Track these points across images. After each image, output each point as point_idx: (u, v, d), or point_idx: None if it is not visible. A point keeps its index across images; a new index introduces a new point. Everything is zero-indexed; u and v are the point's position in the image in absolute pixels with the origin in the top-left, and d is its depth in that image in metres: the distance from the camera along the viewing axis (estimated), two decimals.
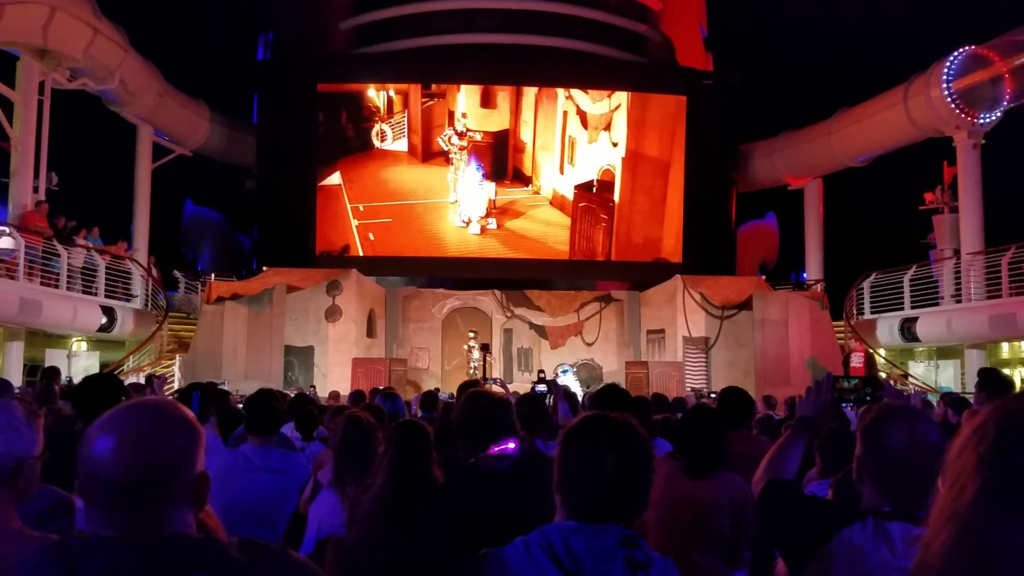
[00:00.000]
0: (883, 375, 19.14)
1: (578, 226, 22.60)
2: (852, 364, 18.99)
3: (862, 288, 21.30)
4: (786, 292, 21.10)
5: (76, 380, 14.23)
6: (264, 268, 20.52)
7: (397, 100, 22.49)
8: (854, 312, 21.38)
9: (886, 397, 2.90)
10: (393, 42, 23.37)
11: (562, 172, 22.62)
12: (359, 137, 22.40)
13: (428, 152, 22.50)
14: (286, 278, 19.19)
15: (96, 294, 17.97)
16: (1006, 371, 16.33)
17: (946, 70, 19.13)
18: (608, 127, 22.63)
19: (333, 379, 17.62)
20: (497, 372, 20.59)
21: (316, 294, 19.10)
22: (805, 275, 24.78)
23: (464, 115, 22.36)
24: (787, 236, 26.54)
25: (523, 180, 22.74)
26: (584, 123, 22.59)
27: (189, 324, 20.51)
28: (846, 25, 28.39)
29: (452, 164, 22.28)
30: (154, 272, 21.18)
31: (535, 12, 23.11)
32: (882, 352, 20.49)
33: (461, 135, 22.17)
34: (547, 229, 22.71)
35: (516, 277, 22.09)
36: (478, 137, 22.32)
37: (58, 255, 16.84)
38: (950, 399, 7.63)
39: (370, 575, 2.84)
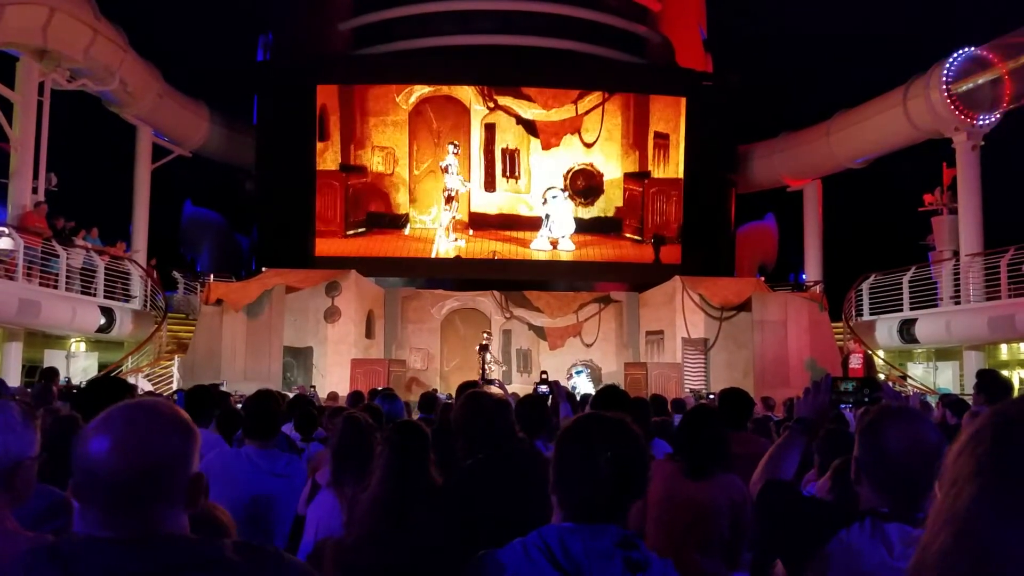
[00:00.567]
0: (882, 376, 19.15)
1: (650, 207, 22.92)
2: (851, 365, 19.00)
3: (861, 289, 21.31)
4: (785, 293, 21.13)
5: (75, 381, 14.24)
6: (263, 269, 20.52)
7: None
8: (853, 313, 21.38)
9: (884, 398, 2.90)
10: (392, 43, 23.40)
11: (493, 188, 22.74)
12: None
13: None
14: (285, 279, 19.19)
15: (95, 295, 17.96)
16: (1005, 373, 16.32)
17: (945, 72, 19.15)
18: (578, 130, 22.67)
19: (332, 380, 17.63)
20: (496, 373, 20.60)
21: (315, 295, 19.10)
22: (804, 276, 24.79)
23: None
24: (786, 237, 26.55)
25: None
26: (533, 131, 22.64)
27: (188, 325, 20.50)
28: (845, 27, 28.40)
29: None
30: (153, 273, 21.16)
31: (534, 13, 23.14)
32: (881, 353, 20.49)
33: (448, 200, 22.33)
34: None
35: (515, 278, 22.11)
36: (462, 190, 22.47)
37: (57, 256, 16.84)
38: (949, 401, 7.63)
39: None
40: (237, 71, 26.73)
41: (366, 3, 23.92)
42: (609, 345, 21.60)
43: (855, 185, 24.73)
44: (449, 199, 22.41)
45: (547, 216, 22.61)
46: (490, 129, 22.66)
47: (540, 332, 21.41)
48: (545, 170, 22.82)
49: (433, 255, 22.45)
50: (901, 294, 19.93)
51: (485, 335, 19.47)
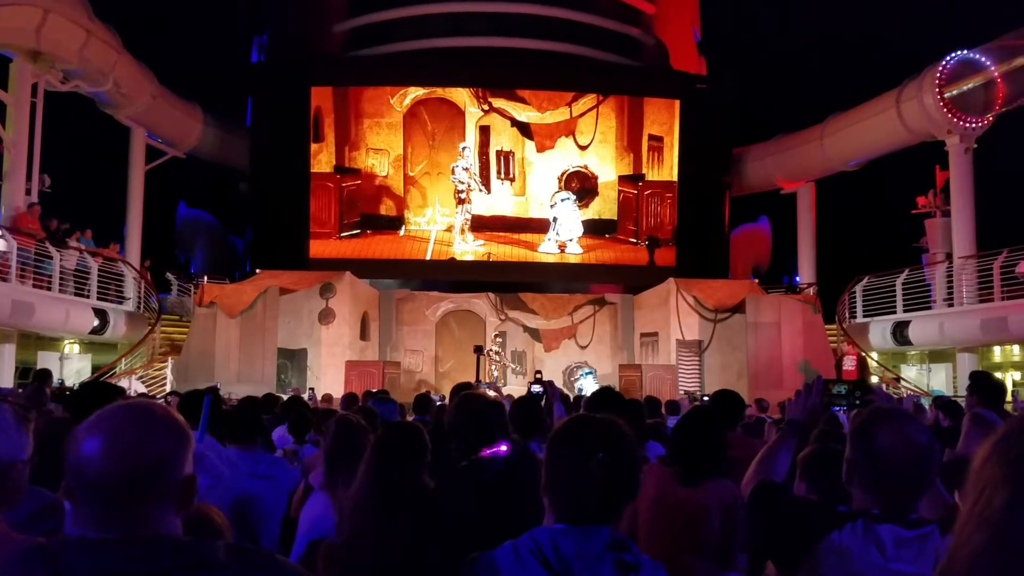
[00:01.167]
0: (875, 379, 19.20)
1: (645, 209, 23.00)
2: (844, 367, 19.04)
3: (854, 292, 21.35)
4: (779, 295, 21.18)
5: (68, 383, 14.21)
6: (257, 271, 20.49)
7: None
8: (846, 315, 21.43)
9: (876, 401, 2.91)
10: (387, 45, 23.39)
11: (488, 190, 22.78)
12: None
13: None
14: (279, 280, 19.15)
15: (88, 296, 17.92)
16: (998, 375, 16.37)
17: (939, 74, 19.22)
18: (572, 132, 22.71)
19: (326, 382, 17.61)
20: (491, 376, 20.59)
21: (309, 297, 19.08)
22: (798, 278, 24.84)
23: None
24: (780, 240, 26.60)
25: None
26: (528, 134, 22.67)
27: (182, 327, 20.46)
28: (838, 30, 28.49)
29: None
30: (147, 274, 21.11)
31: (529, 16, 23.17)
32: (874, 356, 20.54)
33: (460, 201, 22.41)
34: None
35: (510, 280, 22.11)
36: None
37: (50, 257, 16.79)
38: (942, 403, 7.66)
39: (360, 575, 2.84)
40: (231, 72, 26.71)
41: (361, 5, 23.92)
42: (604, 347, 21.61)
43: (849, 187, 24.80)
44: (461, 200, 22.44)
45: (555, 219, 22.65)
46: (485, 131, 22.69)
47: (535, 334, 21.40)
48: (540, 172, 22.86)
49: (437, 257, 22.58)
50: (894, 296, 19.98)
51: (496, 338, 19.92)
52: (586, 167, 22.92)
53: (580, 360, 20.88)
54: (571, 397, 8.62)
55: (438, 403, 8.80)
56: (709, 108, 22.81)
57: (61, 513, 2.16)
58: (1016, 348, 19.05)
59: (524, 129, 22.71)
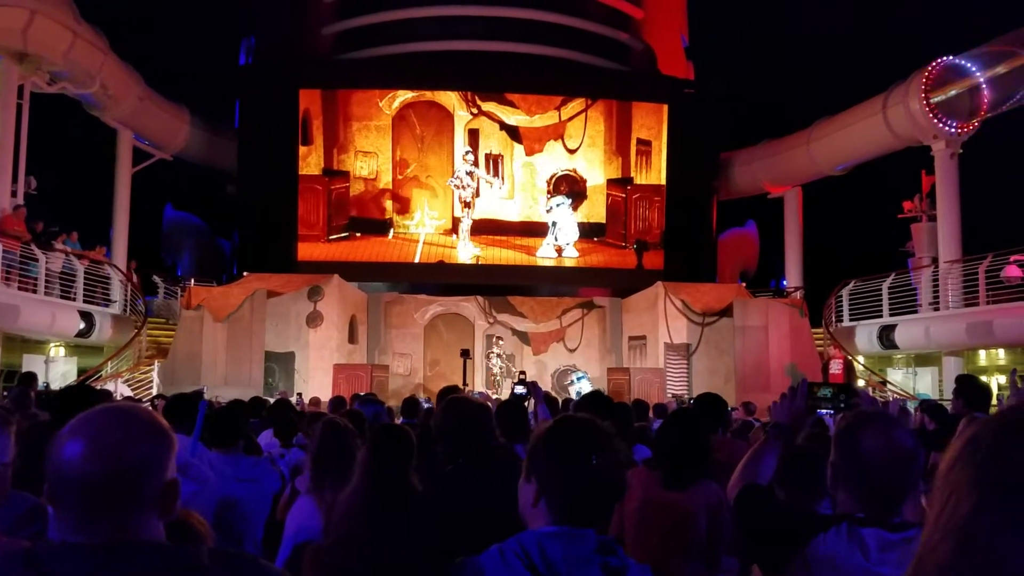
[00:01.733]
0: (862, 382, 19.29)
1: (633, 213, 23.06)
2: (831, 371, 19.12)
3: (841, 296, 21.46)
4: (766, 299, 21.26)
5: (53, 386, 14.11)
6: (245, 273, 20.40)
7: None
8: (833, 319, 21.53)
9: (860, 404, 2.92)
10: (376, 48, 23.35)
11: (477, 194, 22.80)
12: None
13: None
14: (267, 283, 19.09)
15: (74, 299, 17.81)
16: (983, 378, 16.47)
17: (925, 80, 19.36)
18: (561, 136, 22.76)
19: (314, 385, 17.55)
20: (479, 380, 20.58)
21: (297, 300, 19.01)
22: (785, 282, 24.94)
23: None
24: (767, 244, 26.71)
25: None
26: (516, 137, 22.70)
27: (168, 330, 20.36)
28: (826, 35, 28.62)
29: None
30: (133, 277, 21.01)
31: (518, 20, 23.17)
32: (861, 359, 20.63)
33: (465, 205, 22.44)
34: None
35: (499, 283, 22.11)
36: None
37: (36, 260, 16.69)
38: (928, 406, 7.69)
39: None
40: (219, 74, 26.62)
41: (349, 7, 23.87)
42: (592, 350, 21.63)
43: (835, 192, 24.93)
44: (466, 204, 22.45)
45: (554, 224, 22.70)
46: (473, 134, 22.69)
47: (524, 337, 21.40)
48: (528, 176, 22.88)
49: (429, 260, 22.59)
50: (881, 300, 20.08)
51: (498, 341, 20.21)
52: (575, 171, 22.96)
53: (569, 363, 20.89)
54: (559, 400, 8.61)
55: (426, 406, 8.79)
56: (697, 113, 22.89)
57: (45, 517, 2.14)
58: (1001, 352, 19.16)
59: (513, 133, 22.73)
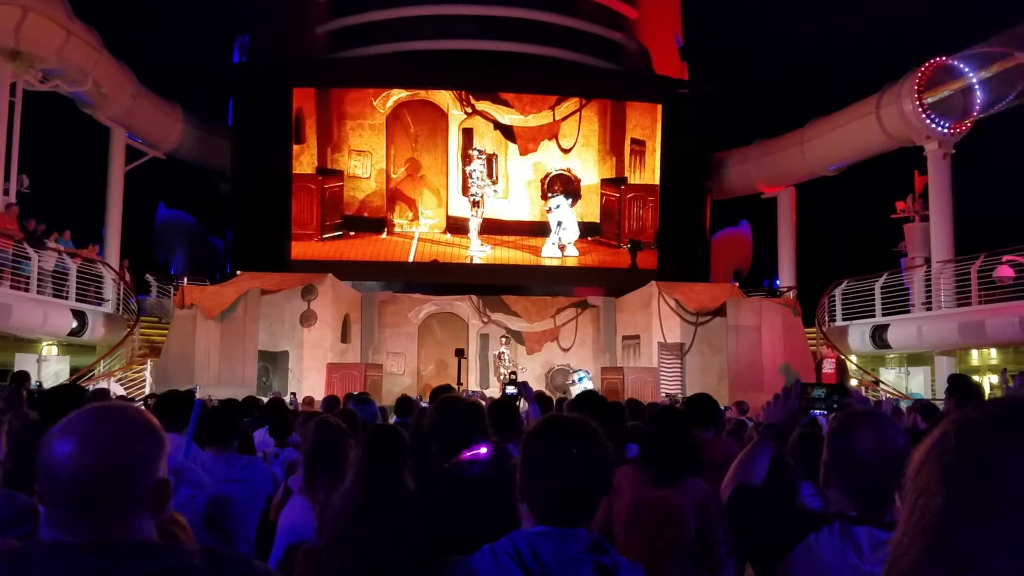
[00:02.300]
0: (854, 382, 19.35)
1: (627, 213, 23.11)
2: (824, 371, 19.17)
3: (834, 295, 21.52)
4: (759, 299, 21.29)
5: (46, 385, 14.06)
6: (238, 272, 20.36)
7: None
8: (826, 319, 21.58)
9: (852, 404, 2.93)
10: (370, 47, 23.33)
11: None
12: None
13: None
14: (260, 282, 19.05)
15: (67, 298, 17.76)
16: (975, 378, 16.53)
17: (918, 81, 19.42)
18: (555, 136, 22.77)
19: (308, 384, 17.52)
20: (473, 379, 20.58)
21: (291, 299, 18.97)
22: (778, 282, 25.01)
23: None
24: (760, 244, 26.77)
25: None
26: (511, 137, 22.71)
27: (161, 329, 20.31)
28: (819, 35, 28.70)
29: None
30: (126, 276, 20.95)
31: (512, 19, 23.17)
32: (853, 359, 20.70)
33: (475, 204, 22.50)
34: None
35: (493, 282, 22.11)
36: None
37: (28, 258, 16.63)
38: (920, 406, 7.72)
39: None
40: (212, 73, 26.57)
41: (343, 6, 23.84)
42: (586, 350, 21.64)
43: (828, 192, 25.00)
44: (475, 204, 22.47)
45: (559, 223, 22.74)
46: (468, 134, 22.68)
47: (518, 337, 21.39)
48: (523, 175, 22.88)
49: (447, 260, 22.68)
50: (873, 300, 20.15)
51: (503, 339, 20.23)
52: (569, 170, 22.97)
53: (563, 363, 20.89)
54: (553, 399, 8.60)
55: (423, 405, 8.78)
56: (691, 113, 22.93)
57: (36, 517, 2.14)
58: (993, 351, 19.22)
59: (507, 132, 22.73)
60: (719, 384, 18.32)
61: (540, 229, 22.98)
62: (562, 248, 22.84)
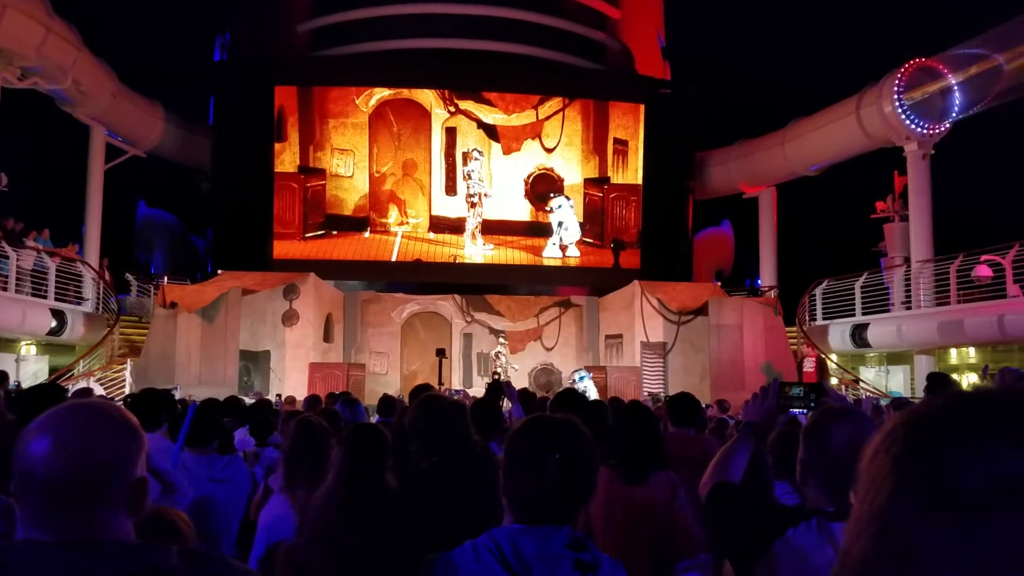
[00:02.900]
0: (835, 380, 19.49)
1: (610, 212, 23.17)
2: (804, 369, 19.29)
3: (814, 294, 21.67)
4: (741, 298, 21.42)
5: (25, 386, 13.92)
6: (219, 271, 20.24)
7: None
8: (807, 318, 21.72)
9: (829, 401, 2.96)
10: (352, 45, 23.27)
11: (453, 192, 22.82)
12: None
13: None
14: (242, 282, 18.95)
15: (46, 297, 17.61)
16: (954, 376, 16.69)
17: (897, 82, 19.58)
18: (539, 135, 22.79)
19: (290, 384, 17.45)
20: (456, 378, 20.56)
21: (273, 298, 18.88)
22: (759, 282, 25.14)
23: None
24: (742, 243, 26.92)
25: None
26: (494, 136, 22.71)
27: (141, 328, 20.16)
28: (801, 36, 28.87)
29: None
30: (106, 275, 20.79)
31: (495, 18, 23.18)
32: (834, 357, 20.84)
33: (472, 204, 22.47)
34: None
35: (476, 282, 22.09)
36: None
37: (7, 257, 16.48)
38: (899, 404, 7.78)
39: None
40: (193, 71, 26.40)
41: (325, 4, 23.77)
42: (569, 349, 21.67)
43: (809, 192, 25.17)
44: (473, 204, 22.43)
45: (560, 223, 22.76)
46: (451, 133, 22.66)
47: (501, 336, 21.39)
48: (506, 174, 22.89)
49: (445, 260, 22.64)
50: (853, 299, 20.30)
51: (501, 340, 20.28)
52: (552, 169, 23.00)
53: (547, 362, 20.92)
54: (535, 395, 8.61)
55: (403, 405, 8.75)
56: (673, 113, 23.01)
57: (14, 516, 2.13)
58: (972, 350, 19.42)
59: (490, 131, 22.72)
60: (701, 383, 18.41)
61: (530, 228, 22.96)
62: (563, 248, 22.87)
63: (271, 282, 19.24)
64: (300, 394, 14.09)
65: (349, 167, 22.50)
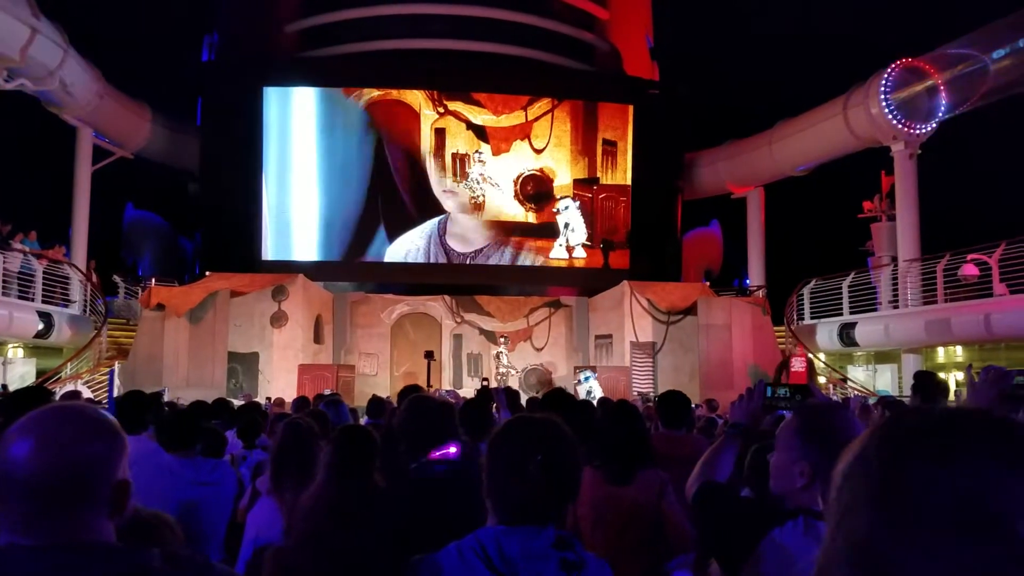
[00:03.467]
0: (823, 379, 19.57)
1: (599, 213, 23.17)
2: (793, 368, 19.35)
3: (802, 294, 21.75)
4: (729, 298, 21.49)
5: (12, 388, 13.84)
6: (207, 273, 20.17)
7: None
8: (795, 317, 21.80)
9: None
10: (340, 46, 23.21)
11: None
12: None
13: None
14: (230, 283, 18.89)
15: (33, 299, 17.51)
16: (941, 375, 16.75)
17: (884, 82, 19.67)
18: (528, 136, 22.79)
19: (279, 386, 17.39)
20: (446, 379, 20.54)
21: (261, 299, 18.83)
22: (748, 281, 25.22)
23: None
24: (730, 243, 26.99)
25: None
26: (483, 137, 22.68)
27: (129, 330, 20.07)
28: (788, 37, 28.99)
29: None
30: (93, 277, 20.68)
31: (484, 19, 23.17)
32: (822, 356, 20.92)
33: (476, 207, 22.46)
34: None
35: (466, 283, 22.08)
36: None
37: None
38: (887, 402, 7.82)
39: None
40: (181, 72, 26.29)
41: (314, 5, 23.70)
42: (559, 349, 21.70)
43: (797, 192, 25.27)
44: (477, 207, 22.39)
45: (566, 225, 22.75)
46: (440, 134, 22.62)
47: (491, 336, 21.39)
48: (495, 174, 22.85)
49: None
50: (841, 298, 20.39)
51: (502, 340, 20.19)
52: (541, 170, 23.00)
53: (536, 362, 20.92)
54: (519, 394, 8.60)
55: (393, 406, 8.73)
56: (662, 113, 23.07)
57: None
58: (959, 349, 19.53)
59: (480, 132, 22.70)
60: (691, 382, 18.46)
61: (522, 229, 22.93)
62: (570, 250, 22.85)
63: (259, 283, 19.18)
64: (289, 396, 14.04)
65: None
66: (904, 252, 19.91)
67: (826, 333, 20.60)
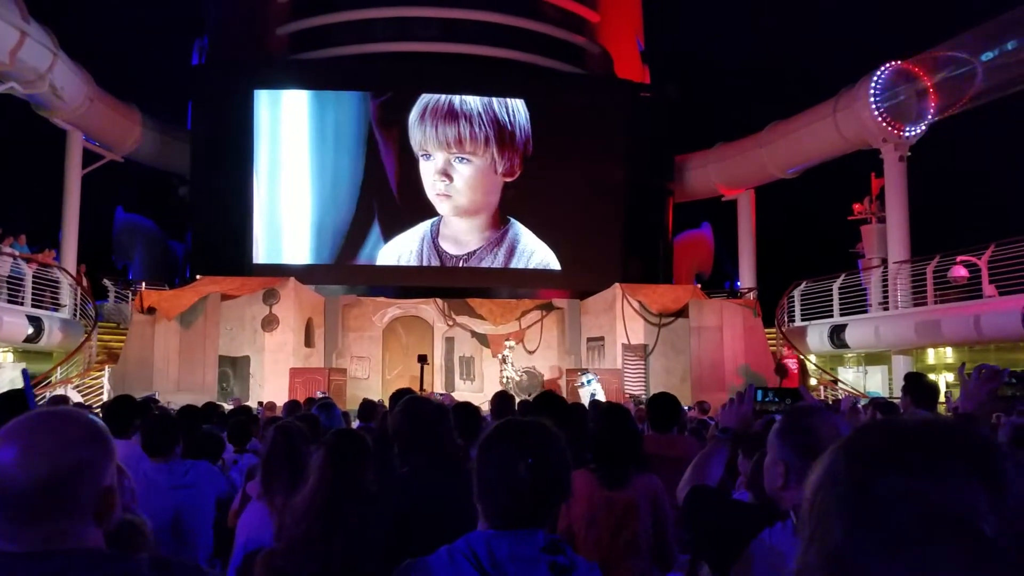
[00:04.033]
0: (813, 381, 19.62)
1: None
2: (788, 369, 19.42)
3: (793, 296, 21.80)
4: (720, 300, 21.53)
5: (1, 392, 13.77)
6: (198, 276, 20.10)
7: None
8: (785, 319, 21.85)
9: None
10: (331, 49, 23.19)
11: None
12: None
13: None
14: (220, 287, 18.83)
15: (22, 303, 17.42)
16: (932, 376, 16.82)
17: (873, 84, 19.75)
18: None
19: (270, 390, 17.33)
20: (439, 382, 20.51)
21: (252, 303, 18.77)
22: (739, 284, 25.29)
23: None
24: (721, 245, 27.05)
25: None
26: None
27: (119, 334, 19.99)
28: (778, 40, 29.10)
29: None
30: (83, 281, 20.59)
31: (475, 22, 23.18)
32: (812, 358, 20.98)
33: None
34: None
35: (458, 285, 22.04)
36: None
37: None
38: (878, 403, 7.85)
39: None
40: (171, 75, 26.24)
41: (304, 8, 23.68)
42: (551, 352, 21.68)
43: (787, 195, 25.35)
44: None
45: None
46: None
47: (483, 339, 21.36)
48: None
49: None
50: (832, 300, 20.44)
51: (508, 344, 19.90)
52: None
53: (529, 365, 20.90)
54: (514, 399, 8.60)
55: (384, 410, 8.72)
56: (653, 116, 23.11)
57: None
58: (949, 350, 19.59)
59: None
60: (682, 384, 18.48)
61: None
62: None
63: (250, 287, 19.13)
64: (281, 400, 14.01)
65: None
66: (894, 254, 19.99)
67: (817, 335, 20.66)
